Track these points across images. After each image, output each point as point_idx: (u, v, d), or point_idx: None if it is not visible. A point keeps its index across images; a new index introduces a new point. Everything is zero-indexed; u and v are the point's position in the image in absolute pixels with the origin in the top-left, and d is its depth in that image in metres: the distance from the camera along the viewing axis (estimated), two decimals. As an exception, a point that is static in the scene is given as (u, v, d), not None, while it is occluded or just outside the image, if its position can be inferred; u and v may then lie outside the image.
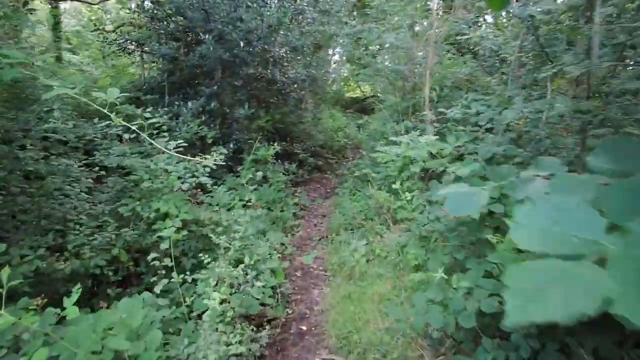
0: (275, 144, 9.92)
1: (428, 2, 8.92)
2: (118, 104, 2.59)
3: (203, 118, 7.59)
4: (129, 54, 8.47)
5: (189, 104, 7.05)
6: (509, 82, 4.96)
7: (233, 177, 7.83)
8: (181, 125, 6.94)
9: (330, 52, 19.35)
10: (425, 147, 5.63)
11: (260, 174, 8.36)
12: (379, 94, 17.54)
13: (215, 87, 7.75)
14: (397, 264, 5.22)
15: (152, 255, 3.77)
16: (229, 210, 6.01)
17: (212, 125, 7.88)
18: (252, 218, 4.97)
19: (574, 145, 3.14)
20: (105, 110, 2.63)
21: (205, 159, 4.10)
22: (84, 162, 4.57)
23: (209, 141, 7.27)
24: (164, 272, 3.72)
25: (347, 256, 5.68)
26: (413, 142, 5.58)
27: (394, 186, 6.29)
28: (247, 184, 7.39)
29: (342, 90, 21.70)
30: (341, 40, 13.77)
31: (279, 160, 9.87)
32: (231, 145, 8.05)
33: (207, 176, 5.02)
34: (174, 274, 3.72)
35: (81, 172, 4.40)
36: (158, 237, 4.10)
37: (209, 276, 3.50)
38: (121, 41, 8.22)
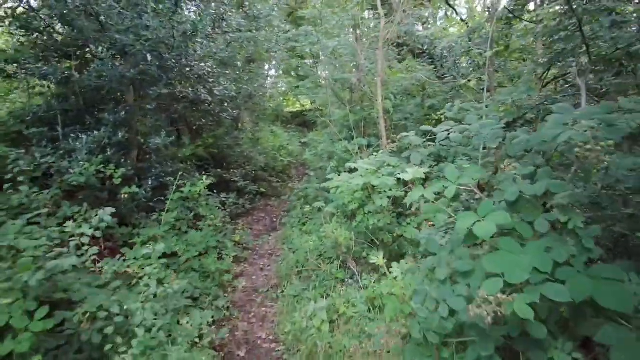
0: (207, 175, 8.31)
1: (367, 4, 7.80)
2: None
3: (109, 152, 5.84)
4: (8, 77, 6.51)
5: (84, 137, 5.30)
6: (486, 85, 3.78)
7: (155, 222, 6.13)
8: (75, 165, 5.18)
9: (267, 67, 17.95)
10: (389, 173, 4.36)
11: (188, 215, 6.74)
12: (320, 108, 16.38)
13: (123, 113, 6.03)
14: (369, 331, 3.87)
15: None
16: (137, 276, 4.37)
17: (123, 161, 6.15)
18: (165, 297, 3.38)
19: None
20: None
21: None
22: None
23: (117, 181, 5.55)
24: None
25: (303, 322, 4.23)
26: (376, 166, 4.29)
27: (354, 223, 4.96)
28: (168, 231, 5.77)
29: (282, 105, 20.26)
30: (276, 53, 12.45)
31: (215, 192, 8.26)
32: (149, 183, 6.34)
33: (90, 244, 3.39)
34: None
35: None
36: None
37: None
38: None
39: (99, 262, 5.15)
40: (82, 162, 5.21)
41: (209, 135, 9.53)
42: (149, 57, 5.45)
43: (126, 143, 6.49)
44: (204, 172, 8.41)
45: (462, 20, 10.54)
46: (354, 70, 7.06)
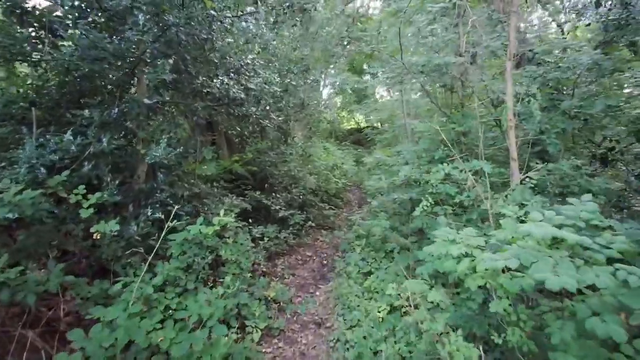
0: (241, 199, 6.00)
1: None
2: None
3: (87, 166, 3.65)
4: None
5: (28, 143, 3.12)
6: None
7: (150, 274, 3.83)
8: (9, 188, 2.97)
9: (322, 82, 15.69)
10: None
11: (205, 259, 4.38)
12: (382, 122, 13.80)
13: (115, 111, 3.84)
14: None
15: None
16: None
17: (110, 180, 3.93)
18: None
19: None
20: None
21: None
22: None
23: (86, 213, 3.29)
24: None
25: None
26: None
27: None
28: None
29: (337, 120, 17.99)
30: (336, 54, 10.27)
31: (250, 221, 5.91)
32: (148, 213, 4.07)
33: None
34: None
35: None
36: None
37: None
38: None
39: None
40: (16, 183, 3.00)
41: (250, 149, 7.28)
42: (141, 19, 3.17)
43: (122, 154, 4.32)
44: (236, 196, 6.11)
45: None
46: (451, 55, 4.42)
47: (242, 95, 4.50)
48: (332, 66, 15.15)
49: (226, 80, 4.47)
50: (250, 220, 5.96)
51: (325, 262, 6.33)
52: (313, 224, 7.24)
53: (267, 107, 5.21)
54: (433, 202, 3.55)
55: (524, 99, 3.31)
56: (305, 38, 9.17)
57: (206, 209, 5.08)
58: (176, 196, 4.60)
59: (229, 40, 4.09)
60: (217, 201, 5.31)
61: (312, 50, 9.55)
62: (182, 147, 3.96)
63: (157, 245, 3.27)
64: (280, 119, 6.34)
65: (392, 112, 9.03)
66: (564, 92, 4.27)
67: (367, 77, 16.47)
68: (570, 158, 3.43)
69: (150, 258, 3.21)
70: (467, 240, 2.36)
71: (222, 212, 3.63)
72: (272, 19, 5.05)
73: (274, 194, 6.88)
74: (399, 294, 4.44)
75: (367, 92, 17.97)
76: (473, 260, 2.20)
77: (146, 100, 3.74)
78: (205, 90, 4.59)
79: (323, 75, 14.39)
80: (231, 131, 6.26)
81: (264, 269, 5.61)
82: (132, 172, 4.57)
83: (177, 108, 4.69)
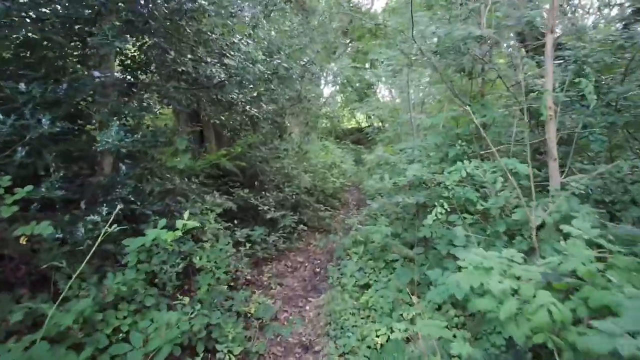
0: (227, 197, 5.24)
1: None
2: None
3: (20, 152, 2.90)
4: None
5: None
6: None
7: (104, 287, 3.09)
8: None
9: (323, 81, 14.85)
10: None
11: (175, 266, 3.61)
12: (383, 121, 13.05)
13: (64, 86, 3.11)
14: None
15: None
16: None
17: (54, 170, 3.18)
18: None
19: None
20: None
21: None
22: None
23: (6, 212, 2.53)
24: None
25: None
26: None
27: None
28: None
29: (337, 118, 17.23)
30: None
31: (235, 222, 5.16)
32: (103, 212, 3.31)
33: None
34: None
35: None
36: None
37: None
38: None
39: None
40: None
41: (240, 142, 6.51)
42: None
43: (76, 141, 3.57)
44: (221, 194, 5.34)
45: None
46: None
47: (222, 75, 3.73)
48: (332, 64, 14.38)
49: (205, 56, 3.70)
50: (235, 222, 5.21)
51: (317, 269, 5.55)
52: (306, 227, 6.47)
53: (256, 94, 4.43)
54: (449, 209, 2.79)
55: (573, 79, 2.55)
56: (305, 28, 8.43)
57: (181, 207, 4.32)
58: (142, 192, 3.84)
59: (203, 1, 3.32)
60: (194, 199, 4.55)
61: (312, 42, 8.80)
62: (139, 134, 3.19)
63: (89, 255, 2.50)
64: (270, 108, 5.56)
65: (395, 107, 8.26)
66: (603, 82, 3.48)
67: (369, 75, 15.72)
68: (629, 159, 2.69)
69: (80, 269, 2.43)
70: (510, 269, 1.61)
71: (186, 215, 2.86)
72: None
73: (264, 192, 6.12)
74: (401, 315, 3.71)
75: (369, 92, 17.27)
76: (521, 301, 1.46)
77: (96, 73, 2.97)
78: (180, 69, 3.82)
79: (325, 73, 13.58)
80: (214, 120, 5.48)
81: (248, 277, 4.85)
82: (90, 162, 3.83)
83: (151, 91, 3.92)
